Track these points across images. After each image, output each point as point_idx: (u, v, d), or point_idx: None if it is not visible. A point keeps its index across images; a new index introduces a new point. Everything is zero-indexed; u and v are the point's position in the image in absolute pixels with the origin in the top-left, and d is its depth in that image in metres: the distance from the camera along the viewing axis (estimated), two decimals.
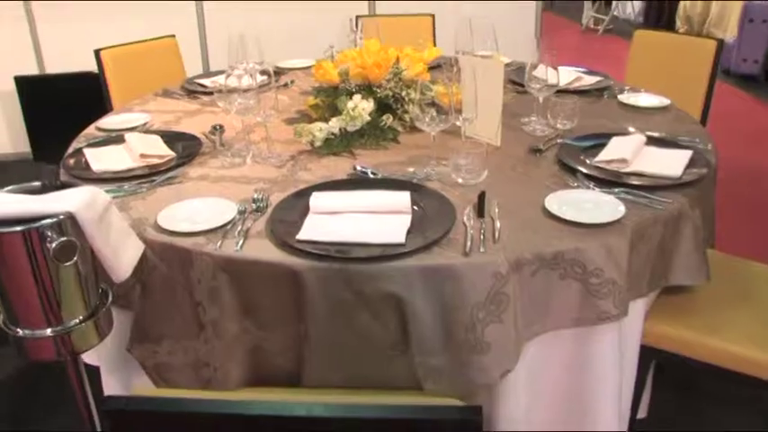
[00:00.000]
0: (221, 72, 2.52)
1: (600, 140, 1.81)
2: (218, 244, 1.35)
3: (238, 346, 1.37)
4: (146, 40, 2.98)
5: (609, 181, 1.60)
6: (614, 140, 1.80)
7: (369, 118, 1.81)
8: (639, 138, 1.81)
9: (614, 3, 8.68)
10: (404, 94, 1.87)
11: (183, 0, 4.09)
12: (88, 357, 1.63)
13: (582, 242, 1.34)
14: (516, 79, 2.38)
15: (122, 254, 1.32)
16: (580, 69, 2.55)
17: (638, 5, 8.62)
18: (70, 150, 1.94)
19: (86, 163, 1.80)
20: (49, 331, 1.25)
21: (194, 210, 1.49)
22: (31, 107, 4.03)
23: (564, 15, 9.15)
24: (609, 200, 1.50)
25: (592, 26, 8.41)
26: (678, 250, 1.52)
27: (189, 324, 1.39)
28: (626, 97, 2.27)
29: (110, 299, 1.34)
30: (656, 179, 1.60)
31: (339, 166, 1.73)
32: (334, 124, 1.78)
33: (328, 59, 2.12)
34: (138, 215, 1.50)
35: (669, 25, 7.92)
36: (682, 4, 7.69)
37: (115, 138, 1.98)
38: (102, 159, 1.82)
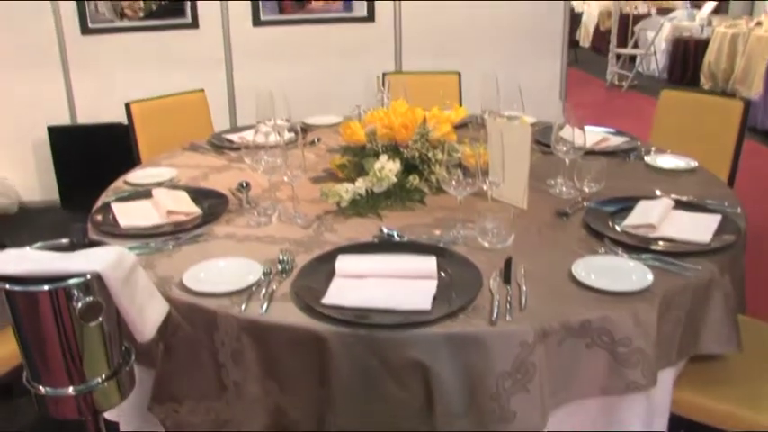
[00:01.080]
0: (248, 127, 2.59)
1: (627, 204, 1.80)
2: (243, 306, 1.35)
3: (260, 407, 1.36)
4: (175, 95, 3.05)
5: (636, 247, 1.58)
6: (641, 204, 1.78)
7: (395, 179, 1.82)
8: (667, 202, 1.79)
9: (638, 59, 8.72)
10: (430, 154, 1.88)
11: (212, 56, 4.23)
12: (108, 412, 1.62)
13: (610, 310, 1.32)
14: (542, 140, 2.37)
15: (147, 314, 1.32)
16: (606, 130, 2.54)
17: (662, 62, 8.66)
18: (99, 204, 1.96)
19: (114, 218, 1.82)
20: (71, 390, 1.26)
21: (220, 270, 1.49)
22: (62, 156, 4.16)
23: (588, 71, 9.21)
24: (637, 266, 1.48)
25: (616, 82, 8.45)
26: (708, 318, 1.48)
27: (211, 384, 1.38)
28: (652, 159, 2.26)
29: (132, 357, 1.34)
30: (685, 245, 1.58)
31: (365, 228, 1.73)
32: (361, 185, 1.79)
33: (355, 119, 2.14)
34: (163, 273, 1.50)
35: (693, 82, 7.95)
36: (706, 60, 7.73)
37: (142, 192, 2.00)
38: (129, 215, 1.84)
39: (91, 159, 4.09)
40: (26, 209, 4.33)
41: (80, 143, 4.16)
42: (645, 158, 2.27)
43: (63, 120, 4.19)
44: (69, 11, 4.03)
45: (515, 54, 4.23)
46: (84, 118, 4.21)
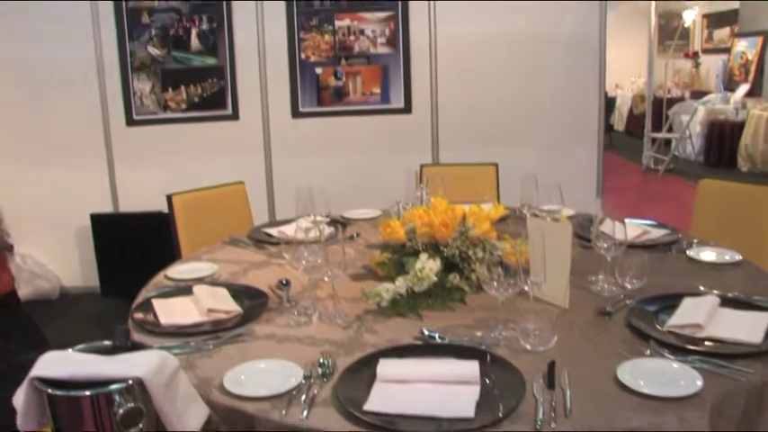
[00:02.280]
0: (288, 221, 2.63)
1: (671, 302, 1.76)
2: (284, 411, 1.34)
3: None
4: (215, 187, 3.12)
5: (683, 348, 1.54)
6: (686, 302, 1.75)
7: (436, 279, 1.82)
8: (713, 299, 1.76)
9: (673, 143, 8.73)
10: (470, 253, 1.88)
11: (251, 148, 4.34)
12: None
13: (657, 417, 1.29)
14: (581, 233, 2.35)
15: (187, 419, 1.32)
16: (646, 222, 2.53)
17: (697, 145, 8.65)
18: (140, 299, 1.98)
19: (155, 315, 1.84)
20: None
21: (260, 372, 1.49)
22: (103, 243, 4.25)
23: (624, 155, 9.24)
24: (685, 369, 1.44)
25: (652, 166, 8.43)
26: (763, 425, 1.43)
27: None
28: (695, 252, 2.23)
29: None
30: (735, 346, 1.54)
31: (405, 328, 1.72)
32: (401, 284, 1.79)
33: (395, 215, 2.17)
34: (203, 374, 1.50)
35: (731, 164, 7.91)
36: (742, 142, 7.72)
37: (183, 288, 2.02)
38: (170, 312, 1.85)
39: (131, 247, 4.18)
40: (67, 294, 4.41)
41: (121, 231, 4.26)
42: (687, 252, 2.25)
43: (106, 208, 4.32)
44: (116, 103, 4.21)
45: (552, 141, 4.29)
46: (126, 206, 4.33)
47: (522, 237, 1.88)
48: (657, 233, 2.44)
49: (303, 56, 4.19)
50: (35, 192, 4.29)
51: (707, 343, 1.57)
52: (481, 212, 2.04)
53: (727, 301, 1.76)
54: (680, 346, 1.55)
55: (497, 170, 3.36)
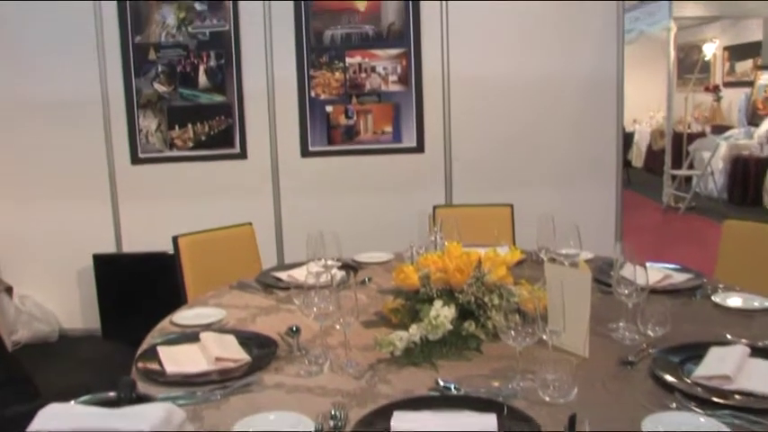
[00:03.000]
0: (297, 264, 2.64)
1: (697, 351, 1.74)
2: None
3: None
4: (223, 228, 3.15)
5: (711, 401, 1.52)
6: (713, 352, 1.73)
7: (450, 326, 1.82)
8: (742, 348, 1.73)
9: (695, 179, 8.71)
10: (486, 299, 1.88)
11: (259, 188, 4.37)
12: None
13: None
14: (600, 278, 2.35)
15: None
16: (668, 266, 2.52)
17: (720, 182, 8.63)
18: (144, 347, 1.98)
19: (160, 363, 1.84)
20: None
21: (269, 424, 1.48)
22: (106, 284, 4.26)
23: (643, 193, 9.23)
24: (714, 424, 1.42)
25: (673, 204, 8.40)
26: None
27: None
28: (721, 298, 2.20)
29: None
30: (766, 400, 1.51)
31: (420, 379, 1.71)
32: (415, 332, 1.80)
33: (408, 260, 2.18)
34: (211, 426, 1.50)
35: (756, 201, 7.89)
36: None
37: (190, 335, 2.02)
38: (175, 360, 1.85)
39: (135, 289, 4.20)
40: (66, 337, 4.41)
41: (124, 272, 4.28)
42: (712, 297, 2.22)
43: (109, 248, 4.35)
44: (121, 141, 4.28)
45: (568, 179, 4.30)
46: (129, 247, 4.36)
47: (540, 282, 1.88)
48: (680, 277, 2.43)
49: (313, 93, 4.26)
50: (37, 231, 4.34)
51: (737, 396, 1.54)
52: (497, 257, 2.05)
53: (757, 351, 1.73)
54: (708, 399, 1.53)
55: (512, 211, 3.38)
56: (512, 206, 3.39)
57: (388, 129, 4.29)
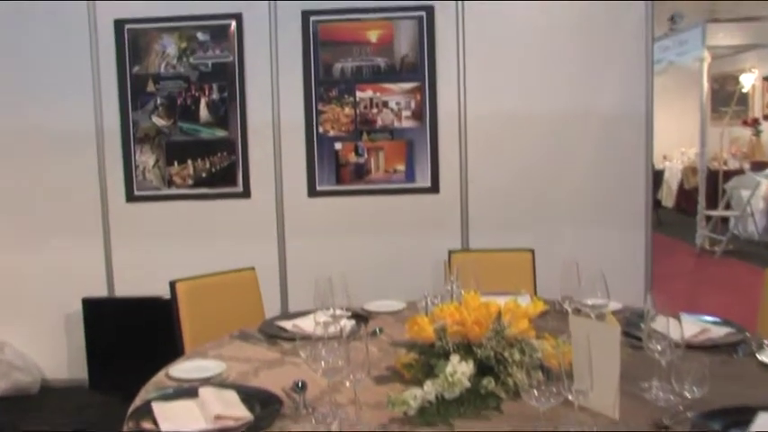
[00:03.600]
0: (303, 313, 2.66)
1: (741, 416, 1.70)
2: None
3: None
4: (224, 273, 3.17)
5: None
6: (761, 418, 1.68)
7: (468, 384, 1.82)
8: None
9: (732, 221, 8.64)
10: (507, 354, 1.89)
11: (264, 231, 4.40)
12: None
13: None
14: (630, 331, 2.31)
15: None
16: (706, 319, 2.49)
17: (761, 223, 8.53)
18: (138, 402, 1.97)
19: (155, 421, 1.83)
20: None
21: None
22: (95, 331, 4.26)
23: (674, 235, 9.18)
24: None
25: (707, 248, 8.33)
26: None
27: None
28: (767, 356, 2.16)
29: None
30: None
31: None
32: (430, 390, 1.80)
33: (422, 310, 2.19)
34: None
35: None
36: None
37: (187, 390, 2.02)
38: (172, 418, 1.85)
39: (127, 337, 4.21)
40: (49, 388, 4.40)
41: (116, 318, 4.29)
42: (757, 355, 2.18)
43: (100, 291, 4.38)
44: (116, 177, 4.35)
45: (593, 222, 4.29)
46: (122, 291, 4.39)
47: (565, 336, 1.88)
48: (719, 331, 2.39)
49: (321, 129, 4.31)
50: (21, 272, 4.38)
51: None
52: (518, 308, 2.05)
53: None
54: None
55: (533, 256, 3.39)
56: (532, 251, 3.40)
57: (401, 167, 4.33)
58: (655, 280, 4.40)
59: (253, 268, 3.23)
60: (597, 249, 4.05)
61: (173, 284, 2.97)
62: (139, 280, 4.25)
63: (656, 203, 10.60)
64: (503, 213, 4.33)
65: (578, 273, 2.30)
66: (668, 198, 11.74)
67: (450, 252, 3.55)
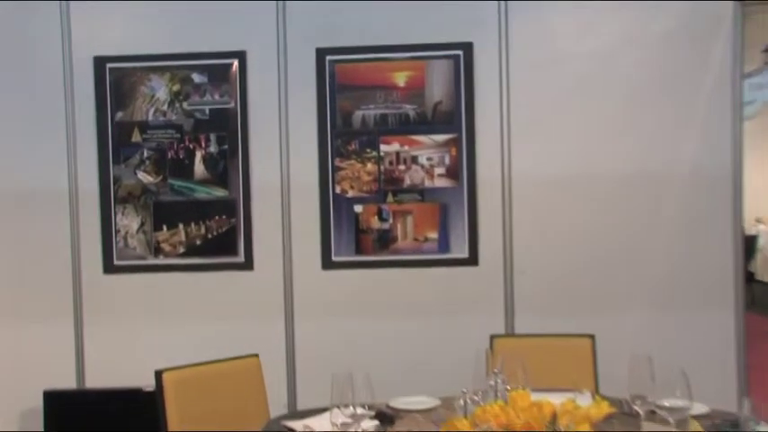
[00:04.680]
0: (316, 411, 2.70)
1: None
2: None
3: None
4: (222, 361, 3.24)
5: None
6: None
7: None
8: None
9: None
10: None
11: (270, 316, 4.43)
12: None
13: None
14: None
15: None
16: None
17: None
18: None
19: None
20: None
21: None
22: (59, 430, 4.20)
23: None
24: None
25: None
26: None
27: None
28: None
29: None
30: None
31: None
32: None
33: (460, 412, 2.22)
34: None
35: None
36: None
37: None
38: None
39: None
40: None
41: (86, 415, 4.23)
42: None
43: (67, 382, 4.38)
44: (91, 244, 4.40)
45: (668, 302, 4.27)
46: (95, 380, 4.40)
47: None
48: None
49: (338, 189, 4.36)
50: None
51: None
52: (577, 410, 2.07)
53: None
54: None
55: (594, 344, 3.43)
56: (593, 337, 3.44)
57: (433, 235, 4.35)
58: (751, 375, 4.30)
59: (256, 355, 3.30)
60: (675, 336, 4.11)
61: (158, 374, 3.02)
62: (117, 368, 4.28)
63: (749, 277, 10.47)
64: (556, 290, 4.30)
65: (651, 366, 2.32)
66: (763, 270, 11.62)
67: (492, 337, 3.59)
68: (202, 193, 4.41)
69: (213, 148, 4.40)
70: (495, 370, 2.46)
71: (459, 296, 4.37)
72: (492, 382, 2.41)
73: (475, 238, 4.35)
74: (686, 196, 4.29)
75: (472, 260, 4.36)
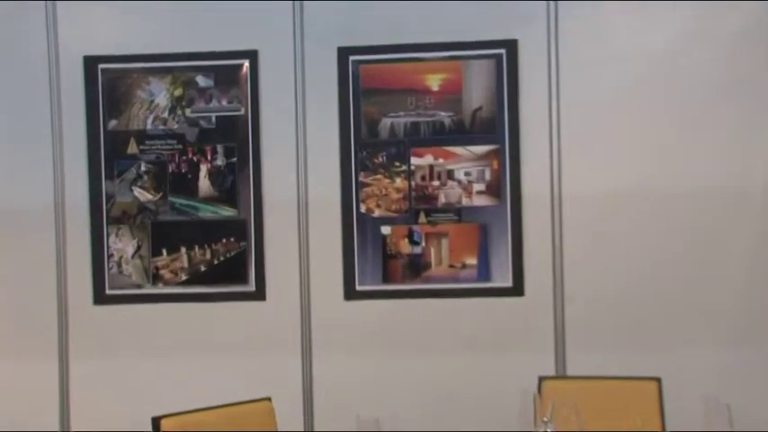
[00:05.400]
0: None
1: None
2: None
3: None
4: (228, 406, 3.27)
5: None
6: None
7: None
8: None
9: None
10: None
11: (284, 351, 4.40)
12: None
13: None
14: None
15: None
16: None
17: None
18: None
19: None
20: None
21: None
22: None
23: None
24: None
25: None
26: None
27: None
28: None
29: None
30: None
31: None
32: None
33: None
34: None
35: None
36: None
37: None
38: None
39: None
40: None
41: None
42: None
43: (50, 425, 4.40)
44: (80, 271, 4.41)
45: (745, 340, 4.24)
46: (81, 425, 4.40)
47: None
48: None
49: (363, 208, 4.35)
50: None
51: None
52: None
53: None
54: None
55: (660, 388, 3.41)
56: (659, 380, 3.43)
57: (472, 261, 4.34)
58: None
59: (268, 399, 3.32)
60: (754, 379, 4.08)
61: (156, 421, 3.05)
62: (107, 412, 4.29)
63: None
64: (613, 323, 4.26)
65: (729, 413, 2.34)
66: None
67: (540, 379, 3.59)
68: (208, 213, 4.41)
69: (220, 161, 4.40)
70: (545, 418, 2.45)
71: (501, 331, 4.34)
72: (541, 429, 2.41)
73: (520, 265, 4.32)
74: (762, 217, 4.26)
75: (516, 290, 4.33)
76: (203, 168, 4.41)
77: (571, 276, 4.31)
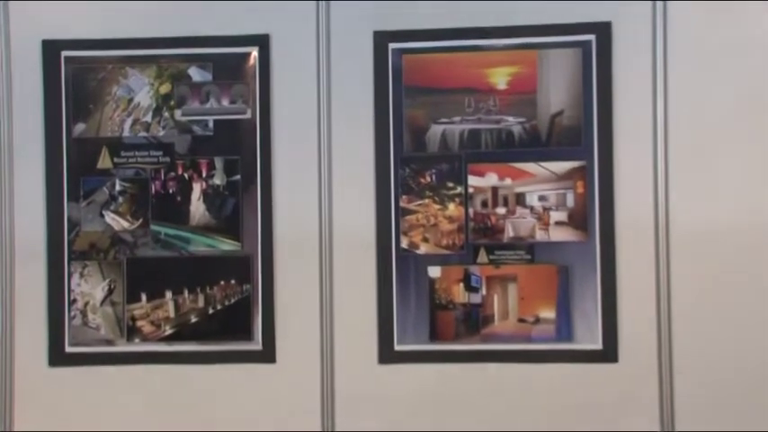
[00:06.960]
0: None
1: None
2: None
3: None
4: None
5: None
6: None
7: None
8: None
9: None
10: None
11: None
12: None
13: None
14: None
15: None
16: None
17: None
18: None
19: None
20: None
21: None
22: None
23: None
24: None
25: None
26: None
27: None
28: None
29: None
30: None
31: None
32: None
33: None
34: None
35: None
36: None
37: None
38: None
39: None
40: None
41: None
42: None
43: None
44: (32, 324, 4.10)
45: None
46: None
47: None
48: None
49: (405, 243, 4.02)
50: None
51: None
52: None
53: None
54: None
55: None
56: None
57: (548, 314, 4.01)
58: None
59: None
60: None
61: None
62: None
63: None
64: (738, 402, 3.98)
65: None
66: None
67: None
68: (201, 247, 4.04)
69: (219, 180, 4.06)
70: None
71: (587, 406, 3.98)
72: None
73: (613, 320, 3.94)
74: None
75: (608, 354, 3.96)
76: (197, 188, 4.05)
77: (681, 337, 4.01)
